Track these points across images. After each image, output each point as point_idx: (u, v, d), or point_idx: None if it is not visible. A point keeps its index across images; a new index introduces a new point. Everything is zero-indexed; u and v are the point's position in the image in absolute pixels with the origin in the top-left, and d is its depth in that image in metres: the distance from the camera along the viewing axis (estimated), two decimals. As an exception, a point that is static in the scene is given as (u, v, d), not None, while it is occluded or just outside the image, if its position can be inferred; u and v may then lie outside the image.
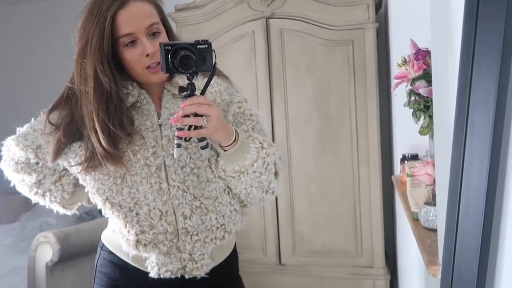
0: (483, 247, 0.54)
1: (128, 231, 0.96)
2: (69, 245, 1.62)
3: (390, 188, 2.58)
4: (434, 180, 0.99)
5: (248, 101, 1.08)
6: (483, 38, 0.55)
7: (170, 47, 0.87)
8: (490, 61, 0.54)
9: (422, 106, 1.21)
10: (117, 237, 1.00)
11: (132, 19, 0.91)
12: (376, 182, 2.33)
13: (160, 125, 0.98)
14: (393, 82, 1.37)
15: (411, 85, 1.23)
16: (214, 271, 1.01)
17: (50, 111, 0.99)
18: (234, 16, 2.44)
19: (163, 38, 0.97)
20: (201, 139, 0.92)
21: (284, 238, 2.50)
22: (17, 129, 1.04)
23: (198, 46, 0.88)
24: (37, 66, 3.45)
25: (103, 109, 0.91)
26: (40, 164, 1.00)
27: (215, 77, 1.01)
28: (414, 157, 1.75)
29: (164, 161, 0.96)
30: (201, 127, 0.87)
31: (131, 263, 1.01)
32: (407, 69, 1.26)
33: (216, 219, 0.99)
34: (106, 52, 0.91)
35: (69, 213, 1.07)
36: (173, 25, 1.05)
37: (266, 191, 1.00)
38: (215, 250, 1.01)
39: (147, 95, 1.00)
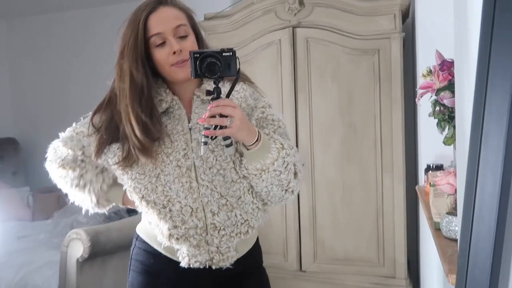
0: (496, 251, 0.55)
1: (162, 226, 1.04)
2: (98, 242, 1.69)
3: (414, 198, 2.56)
4: (456, 190, 1.00)
5: (273, 106, 1.14)
6: (498, 49, 0.57)
7: (198, 55, 0.96)
8: (504, 72, 0.56)
9: (446, 117, 1.22)
10: (152, 229, 1.08)
11: (161, 21, 1.03)
12: (400, 191, 2.32)
13: (190, 129, 1.07)
14: (419, 92, 1.39)
15: (436, 95, 1.24)
16: (238, 261, 1.09)
17: (94, 114, 1.10)
18: (261, 25, 2.49)
19: (191, 41, 1.06)
20: (226, 138, 1.00)
21: (305, 244, 2.52)
22: (60, 134, 1.15)
23: (223, 54, 0.97)
24: (79, 72, 3.58)
25: (136, 102, 1.02)
26: (86, 161, 1.12)
27: (241, 83, 1.11)
28: (439, 167, 1.74)
29: (194, 162, 1.05)
30: (225, 127, 0.95)
31: (163, 252, 1.09)
32: (432, 80, 1.28)
33: (240, 215, 1.07)
34: (140, 51, 1.02)
35: (101, 211, 1.15)
36: (202, 33, 1.13)
37: (286, 190, 1.07)
38: (239, 243, 1.09)
39: (179, 101, 1.09)
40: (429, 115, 1.35)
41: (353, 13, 2.32)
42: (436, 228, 1.19)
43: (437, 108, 1.30)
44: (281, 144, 1.04)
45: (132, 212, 2.46)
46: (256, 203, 1.08)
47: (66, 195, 1.20)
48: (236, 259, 1.08)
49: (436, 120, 1.33)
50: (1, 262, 1.94)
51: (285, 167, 1.03)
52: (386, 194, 2.35)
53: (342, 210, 2.44)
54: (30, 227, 2.66)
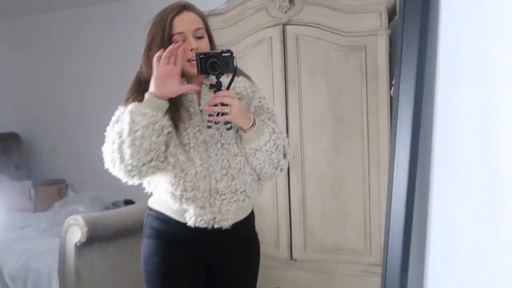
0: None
1: (175, 189, 1.24)
2: (95, 228, 1.80)
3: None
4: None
5: (266, 97, 1.40)
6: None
7: (203, 55, 1.21)
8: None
9: None
10: (164, 199, 1.27)
11: (184, 23, 1.26)
12: (386, 182, 2.40)
13: (201, 111, 1.30)
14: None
15: None
16: (236, 225, 1.30)
17: (127, 101, 1.28)
18: (253, 22, 2.58)
19: (205, 42, 1.30)
20: (226, 123, 1.24)
21: (296, 234, 2.62)
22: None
23: (223, 54, 1.21)
24: (80, 68, 3.64)
25: None
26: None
27: (241, 76, 1.35)
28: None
29: (205, 138, 1.28)
30: (226, 113, 1.20)
31: (173, 216, 1.29)
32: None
33: (239, 185, 1.28)
34: (165, 45, 1.23)
35: (136, 181, 1.26)
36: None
37: (276, 167, 1.31)
38: (237, 209, 1.30)
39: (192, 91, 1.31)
40: None
41: (341, 11, 2.41)
42: None
43: None
44: (273, 129, 1.29)
45: (128, 203, 2.57)
46: (253, 175, 1.30)
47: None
48: (234, 222, 1.28)
49: None
50: (4, 249, 2.05)
51: (276, 148, 1.27)
52: (373, 185, 2.44)
53: (331, 201, 2.54)
54: (32, 217, 2.77)
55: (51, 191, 3.03)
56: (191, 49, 1.25)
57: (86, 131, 3.37)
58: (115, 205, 2.45)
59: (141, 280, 2.17)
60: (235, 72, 1.24)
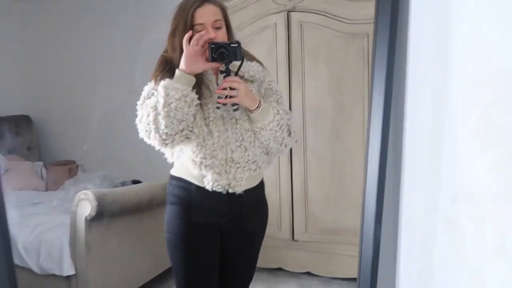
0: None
1: (196, 156, 1.40)
2: (104, 203, 1.89)
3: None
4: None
5: (275, 81, 1.55)
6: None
7: (214, 45, 1.34)
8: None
9: None
10: (186, 167, 1.43)
11: (205, 15, 1.38)
12: (385, 167, 2.47)
13: None
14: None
15: None
16: (248, 191, 1.46)
17: (156, 77, 1.43)
18: (258, 9, 2.64)
19: (222, 32, 1.41)
20: (234, 104, 1.39)
21: (297, 216, 2.71)
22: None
23: (231, 45, 1.35)
24: (91, 51, 3.68)
25: None
26: None
27: (254, 61, 1.50)
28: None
29: (222, 114, 1.43)
30: (233, 96, 1.35)
31: (193, 181, 1.44)
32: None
33: (251, 156, 1.44)
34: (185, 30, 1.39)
35: (168, 149, 1.44)
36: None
37: (280, 144, 1.45)
38: (249, 177, 1.45)
39: (211, 71, 1.47)
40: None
41: (344, -2, 2.46)
42: None
43: None
44: (277, 110, 1.44)
45: (136, 183, 2.66)
46: (262, 148, 1.46)
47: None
48: (246, 188, 1.44)
49: None
50: (17, 223, 2.16)
51: (280, 127, 1.42)
52: (372, 170, 2.51)
53: (331, 184, 2.61)
54: (44, 195, 2.88)
55: (62, 171, 3.14)
56: (210, 39, 1.37)
57: (97, 113, 3.47)
58: (124, 184, 2.55)
59: (147, 254, 2.28)
60: (242, 60, 1.38)
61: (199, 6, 1.39)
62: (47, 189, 3.07)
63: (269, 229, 2.76)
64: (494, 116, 0.90)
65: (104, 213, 1.90)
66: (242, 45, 1.38)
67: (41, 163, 3.61)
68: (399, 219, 1.11)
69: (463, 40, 0.92)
